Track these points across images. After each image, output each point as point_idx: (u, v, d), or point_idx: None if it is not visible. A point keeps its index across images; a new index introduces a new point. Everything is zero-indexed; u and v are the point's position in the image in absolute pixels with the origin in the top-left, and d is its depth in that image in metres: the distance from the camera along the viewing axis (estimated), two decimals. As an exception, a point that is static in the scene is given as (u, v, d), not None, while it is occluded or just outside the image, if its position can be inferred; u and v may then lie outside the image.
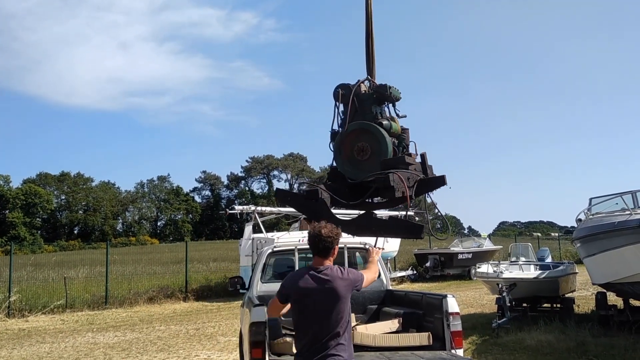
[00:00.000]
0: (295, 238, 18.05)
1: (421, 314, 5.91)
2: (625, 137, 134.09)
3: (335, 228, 3.88)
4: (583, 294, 17.20)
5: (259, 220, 20.29)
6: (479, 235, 32.89)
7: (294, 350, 5.26)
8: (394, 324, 5.85)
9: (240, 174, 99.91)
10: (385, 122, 5.45)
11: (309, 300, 3.72)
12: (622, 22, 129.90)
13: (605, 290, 11.80)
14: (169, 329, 13.72)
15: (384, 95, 5.57)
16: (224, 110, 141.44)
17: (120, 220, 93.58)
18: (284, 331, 6.05)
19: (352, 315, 6.42)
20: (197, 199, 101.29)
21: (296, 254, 7.24)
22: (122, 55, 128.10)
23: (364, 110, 5.50)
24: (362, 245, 7.36)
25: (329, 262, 3.84)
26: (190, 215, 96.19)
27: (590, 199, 11.14)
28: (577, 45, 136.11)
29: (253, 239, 19.41)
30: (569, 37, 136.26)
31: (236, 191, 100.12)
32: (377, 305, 7.04)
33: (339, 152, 5.49)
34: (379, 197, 5.51)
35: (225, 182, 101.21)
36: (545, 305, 13.55)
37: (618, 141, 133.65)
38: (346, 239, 7.18)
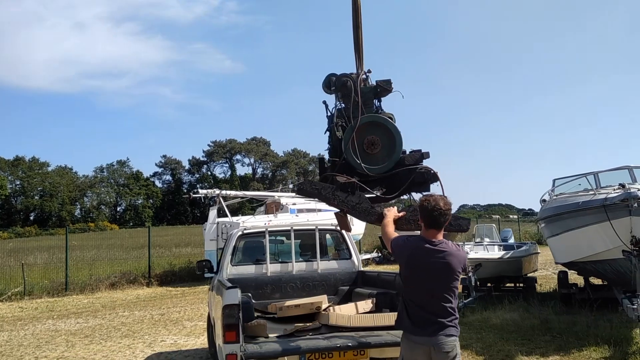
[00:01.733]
0: (261, 222, 17.94)
1: (394, 293, 5.89)
2: (575, 128, 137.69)
3: (448, 199, 3.91)
4: (543, 273, 17.64)
5: (224, 204, 20.06)
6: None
7: (268, 333, 5.21)
8: (367, 304, 5.82)
9: (202, 158, 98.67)
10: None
11: (425, 271, 3.73)
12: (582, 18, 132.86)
13: (566, 270, 12.11)
14: (132, 315, 13.47)
15: (385, 89, 5.54)
16: (184, 93, 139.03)
17: (78, 206, 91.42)
18: (256, 314, 5.98)
19: (324, 297, 6.39)
20: (158, 183, 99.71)
21: (267, 236, 7.13)
22: (79, 36, 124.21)
23: (365, 103, 5.42)
24: (333, 227, 7.30)
25: (441, 235, 3.83)
26: (151, 200, 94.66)
27: (554, 180, 11.34)
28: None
29: (218, 223, 19.20)
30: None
31: (198, 175, 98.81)
32: (348, 286, 7.01)
33: (352, 145, 5.32)
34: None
35: (187, 166, 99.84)
36: (508, 284, 13.83)
37: (568, 131, 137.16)
38: (317, 221, 7.13)
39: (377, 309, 5.82)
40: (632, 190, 7.81)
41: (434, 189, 5.36)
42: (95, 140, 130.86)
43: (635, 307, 7.53)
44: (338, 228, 7.36)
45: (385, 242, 4.26)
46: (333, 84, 5.62)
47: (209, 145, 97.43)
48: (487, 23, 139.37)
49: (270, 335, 5.18)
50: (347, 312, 5.57)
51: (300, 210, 20.25)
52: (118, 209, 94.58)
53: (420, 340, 3.71)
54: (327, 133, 5.93)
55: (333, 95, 5.83)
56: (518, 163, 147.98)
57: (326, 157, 5.96)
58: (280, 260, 7.54)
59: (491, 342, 8.80)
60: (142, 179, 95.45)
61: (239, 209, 52.10)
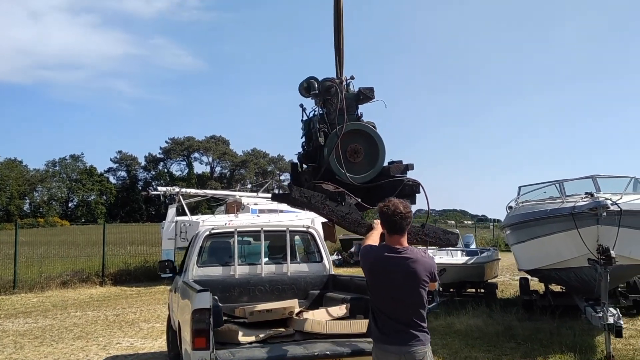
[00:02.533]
0: (222, 221, 17.59)
1: (369, 299, 5.71)
2: (526, 138, 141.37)
3: (407, 202, 3.85)
4: (501, 279, 17.84)
5: (183, 202, 19.58)
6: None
7: (240, 339, 4.95)
8: (341, 309, 5.62)
9: (158, 155, 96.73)
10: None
11: (388, 280, 3.64)
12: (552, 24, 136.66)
13: (528, 276, 12.23)
14: (85, 315, 12.91)
15: (367, 97, 5.45)
16: (142, 88, 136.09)
17: (28, 201, 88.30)
18: (225, 318, 5.71)
19: (295, 301, 6.17)
20: (112, 179, 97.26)
21: (235, 236, 6.85)
22: (34, 25, 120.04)
23: (348, 110, 5.31)
24: (304, 229, 7.08)
25: (405, 241, 3.73)
26: (105, 197, 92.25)
27: (520, 187, 11.43)
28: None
29: (177, 221, 18.75)
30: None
31: (154, 173, 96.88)
32: (319, 290, 6.79)
33: (335, 153, 5.17)
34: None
35: (143, 163, 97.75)
36: (470, 290, 13.89)
37: (519, 140, 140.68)
38: (288, 222, 6.90)
39: (351, 314, 5.63)
40: (600, 199, 7.88)
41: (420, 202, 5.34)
42: (47, 134, 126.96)
43: (600, 315, 7.58)
44: (309, 230, 7.17)
45: None
46: (314, 88, 5.45)
47: (166, 142, 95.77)
48: (448, 35, 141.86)
49: (242, 341, 4.92)
50: (320, 318, 5.37)
51: (261, 211, 19.96)
52: (69, 204, 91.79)
53: (390, 349, 3.63)
54: (303, 138, 5.76)
55: (310, 99, 5.67)
56: (471, 170, 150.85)
57: (297, 161, 5.79)
58: (248, 262, 7.27)
59: (457, 349, 8.74)
60: (95, 174, 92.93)
61: (195, 208, 51.19)
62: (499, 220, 54.33)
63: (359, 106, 5.60)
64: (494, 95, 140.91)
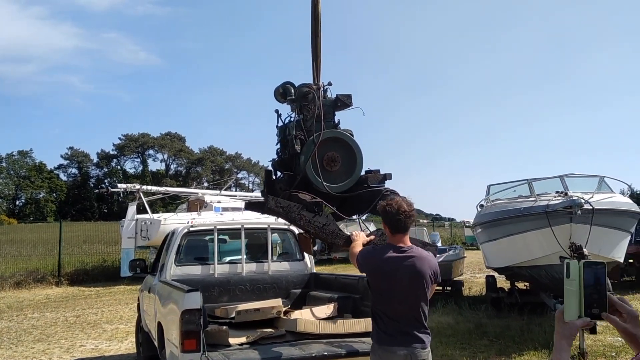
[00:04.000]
0: (184, 219, 17.19)
1: (358, 298, 5.63)
2: (486, 140, 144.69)
3: (410, 200, 3.80)
4: (464, 277, 18.11)
5: (144, 199, 19.06)
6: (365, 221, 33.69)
7: (230, 341, 4.78)
8: (329, 308, 5.50)
9: (112, 152, 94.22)
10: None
11: (393, 280, 3.56)
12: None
13: (494, 274, 12.40)
14: (44, 317, 12.39)
15: (345, 104, 5.34)
16: (94, 83, 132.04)
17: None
18: (208, 318, 5.51)
19: (279, 300, 6.02)
20: (63, 176, 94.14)
21: (215, 234, 6.64)
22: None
23: (325, 117, 5.16)
24: (285, 226, 6.91)
25: (408, 240, 3.70)
26: (55, 194, 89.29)
27: (489, 186, 11.56)
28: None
29: (137, 219, 18.23)
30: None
31: (107, 170, 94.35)
32: (301, 289, 6.66)
33: (312, 161, 5.03)
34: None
35: (95, 159, 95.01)
36: (437, 287, 13.97)
37: (479, 142, 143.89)
38: (269, 219, 6.71)
39: (338, 313, 5.53)
40: (574, 197, 8.01)
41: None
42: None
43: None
44: (290, 227, 7.02)
45: (354, 262, 4.02)
46: (290, 93, 5.32)
47: (119, 138, 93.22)
48: (416, 42, 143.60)
49: (232, 342, 4.73)
50: (309, 318, 5.23)
51: (225, 209, 19.62)
52: (17, 202, 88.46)
53: (395, 350, 3.56)
54: (278, 144, 5.62)
55: (286, 105, 5.54)
56: (425, 169, 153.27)
57: (272, 168, 5.65)
58: (224, 260, 7.08)
59: (432, 347, 8.64)
60: (45, 171, 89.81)
61: (150, 205, 50.12)
62: (453, 219, 55.57)
63: (336, 113, 5.51)
64: (453, 103, 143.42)
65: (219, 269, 6.53)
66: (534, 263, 9.25)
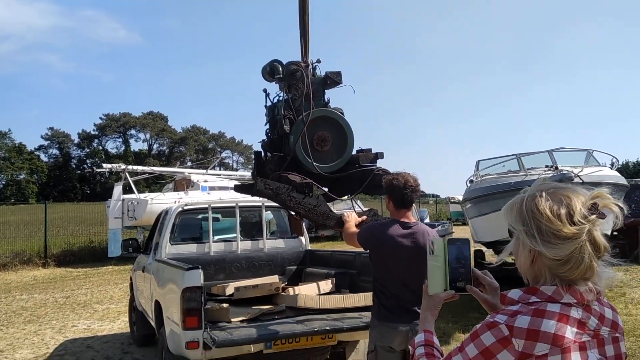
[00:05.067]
0: (172, 199, 17.10)
1: (354, 273, 5.66)
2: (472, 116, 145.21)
3: (415, 176, 3.70)
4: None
5: (130, 179, 18.90)
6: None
7: (230, 318, 4.78)
8: (327, 284, 5.53)
9: (93, 132, 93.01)
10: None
11: (397, 256, 3.50)
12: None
13: (483, 248, 12.56)
14: (33, 298, 12.30)
15: (334, 82, 5.21)
16: (73, 62, 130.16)
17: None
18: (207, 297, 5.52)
19: (276, 277, 6.04)
20: (44, 157, 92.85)
21: (210, 213, 6.61)
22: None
23: (314, 96, 5.07)
24: (257, 204, 6.84)
25: (412, 216, 3.63)
26: (36, 176, 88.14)
27: (478, 161, 11.63)
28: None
29: (123, 199, 18.08)
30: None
31: (88, 150, 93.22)
32: (296, 265, 6.68)
33: (302, 141, 4.93)
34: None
35: (76, 140, 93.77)
36: (426, 262, 14.14)
37: (464, 119, 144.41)
38: (238, 197, 6.55)
39: (336, 289, 5.56)
40: (564, 171, 8.10)
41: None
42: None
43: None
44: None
45: (353, 243, 3.97)
46: (278, 72, 5.22)
47: (100, 118, 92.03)
48: (401, 18, 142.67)
49: (233, 319, 4.74)
50: (307, 292, 5.25)
51: (212, 188, 19.54)
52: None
53: (398, 327, 3.52)
54: (266, 125, 5.54)
55: (274, 84, 5.45)
56: (411, 147, 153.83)
57: (261, 149, 5.57)
58: (218, 238, 7.06)
59: (424, 320, 8.87)
60: (25, 152, 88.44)
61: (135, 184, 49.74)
62: (437, 196, 55.93)
63: (326, 91, 5.43)
64: (437, 77, 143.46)
65: (214, 247, 6.52)
66: (523, 237, 9.36)
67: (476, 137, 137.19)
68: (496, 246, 11.10)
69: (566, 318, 1.32)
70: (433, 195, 57.64)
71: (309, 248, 6.96)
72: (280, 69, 5.23)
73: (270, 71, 5.25)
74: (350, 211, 4.52)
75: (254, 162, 5.57)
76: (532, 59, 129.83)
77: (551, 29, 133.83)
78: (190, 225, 6.79)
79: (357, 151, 5.32)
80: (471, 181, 11.34)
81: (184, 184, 19.42)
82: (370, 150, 5.39)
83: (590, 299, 1.37)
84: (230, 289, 5.54)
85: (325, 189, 5.00)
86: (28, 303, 11.69)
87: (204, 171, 22.13)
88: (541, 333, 1.29)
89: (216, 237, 7.16)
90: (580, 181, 8.04)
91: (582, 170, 8.48)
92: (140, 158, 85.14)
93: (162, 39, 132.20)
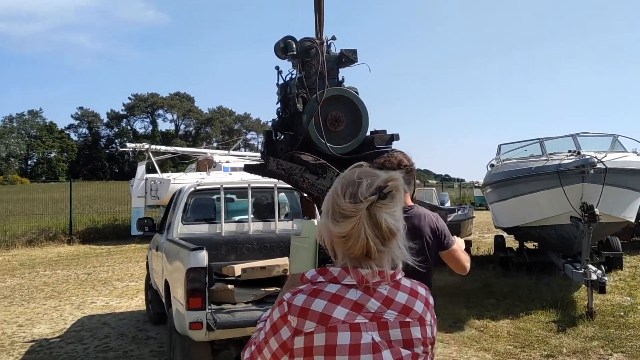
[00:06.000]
0: (193, 179, 17.19)
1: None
2: (490, 97, 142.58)
3: (409, 155, 3.42)
4: (472, 237, 18.11)
5: (153, 159, 19.06)
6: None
7: (236, 299, 4.77)
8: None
9: (121, 112, 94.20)
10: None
11: None
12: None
13: (503, 234, 12.35)
14: (55, 274, 12.55)
15: (350, 60, 5.06)
16: (103, 42, 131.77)
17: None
18: (215, 277, 5.51)
19: (286, 259, 5.99)
20: (74, 136, 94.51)
21: (222, 193, 6.59)
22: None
23: (329, 74, 4.92)
24: (269, 185, 6.74)
25: (409, 199, 3.36)
26: (66, 154, 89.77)
27: (500, 145, 11.40)
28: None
29: (147, 179, 18.26)
30: None
31: (117, 130, 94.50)
32: None
33: (315, 121, 4.80)
34: None
35: (105, 119, 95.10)
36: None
37: (483, 100, 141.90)
38: (258, 178, 6.45)
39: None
40: (587, 156, 7.86)
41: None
42: (3, 88, 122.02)
43: (582, 271, 7.66)
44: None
45: None
46: (292, 48, 5.08)
47: (129, 98, 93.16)
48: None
49: (238, 300, 4.73)
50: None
51: (233, 169, 19.59)
52: (29, 162, 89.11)
53: None
54: (278, 103, 5.42)
55: (287, 61, 5.31)
56: (435, 129, 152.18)
57: (272, 128, 5.45)
58: (232, 219, 7.05)
59: (440, 305, 8.65)
60: (56, 131, 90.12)
61: (160, 166, 50.30)
62: (462, 180, 55.42)
63: (340, 70, 5.27)
64: (461, 54, 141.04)
65: (226, 228, 6.50)
66: (543, 223, 9.17)
67: (507, 120, 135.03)
68: (516, 232, 10.90)
69: (340, 299, 1.36)
70: (458, 180, 57.18)
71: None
72: (294, 45, 5.12)
73: (284, 48, 5.15)
74: None
75: (263, 141, 5.49)
76: (575, 36, 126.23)
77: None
78: (203, 205, 6.77)
79: (372, 132, 5.20)
80: (492, 165, 11.12)
81: (206, 165, 19.51)
82: (385, 131, 5.26)
83: (373, 282, 1.39)
84: (238, 270, 5.52)
85: (339, 171, 4.90)
86: (50, 279, 11.93)
87: (226, 152, 22.21)
88: (310, 311, 1.34)
89: (234, 218, 7.17)
90: (604, 167, 7.80)
91: (606, 156, 8.23)
92: (167, 138, 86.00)
93: (190, 19, 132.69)
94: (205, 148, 27.93)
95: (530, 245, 12.24)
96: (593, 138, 10.01)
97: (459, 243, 3.65)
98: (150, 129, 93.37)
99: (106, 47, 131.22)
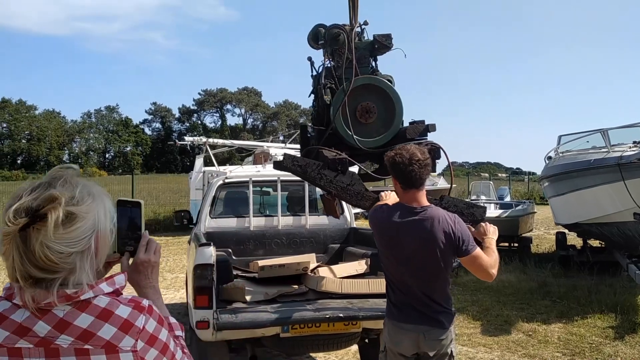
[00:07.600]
0: (249, 172, 17.27)
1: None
2: (563, 89, 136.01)
3: (424, 149, 3.19)
4: (535, 233, 17.19)
5: (211, 152, 19.30)
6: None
7: (247, 298, 4.59)
8: (360, 265, 5.19)
9: (192, 107, 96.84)
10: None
11: (400, 247, 3.03)
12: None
13: (565, 231, 11.60)
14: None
15: (384, 46, 4.64)
16: (176, 39, 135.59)
17: (67, 151, 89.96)
18: (235, 272, 5.37)
19: (312, 255, 5.77)
20: (148, 131, 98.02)
21: (250, 186, 6.43)
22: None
23: (360, 62, 4.54)
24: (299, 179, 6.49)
25: (424, 198, 3.11)
26: (140, 148, 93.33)
27: (560, 137, 10.67)
28: None
29: (204, 172, 18.48)
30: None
31: (188, 124, 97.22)
32: (339, 244, 6.36)
33: (342, 112, 4.44)
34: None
35: (177, 114, 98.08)
36: (502, 244, 13.33)
37: (557, 92, 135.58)
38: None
39: (371, 270, 5.20)
40: (651, 148, 7.17)
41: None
42: (83, 85, 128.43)
43: (644, 273, 7.01)
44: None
45: None
46: (322, 36, 4.76)
47: (199, 93, 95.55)
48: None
49: (249, 299, 4.54)
50: (338, 273, 4.94)
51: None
52: (107, 155, 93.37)
53: (405, 327, 3.06)
54: (312, 96, 5.13)
55: (321, 51, 5.01)
56: (506, 121, 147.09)
57: (311, 124, 5.17)
58: (265, 213, 6.88)
59: (488, 306, 8.31)
60: (131, 125, 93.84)
61: (228, 159, 51.23)
62: (534, 173, 53.22)
63: (377, 57, 4.89)
64: (538, 39, 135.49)
65: (255, 222, 6.34)
66: (604, 220, 8.48)
67: (586, 111, 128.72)
68: (577, 229, 10.18)
69: (3, 319, 1.24)
70: (529, 173, 54.91)
71: (354, 226, 6.60)
72: (323, 33, 4.83)
73: (314, 37, 4.87)
74: (389, 191, 4.02)
75: (300, 136, 5.25)
76: None
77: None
78: (232, 199, 6.65)
79: (410, 123, 4.83)
80: (549, 158, 10.41)
81: (262, 158, 19.55)
82: (423, 121, 4.87)
83: (45, 302, 1.23)
84: (257, 266, 5.34)
85: (358, 165, 4.59)
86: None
87: (283, 145, 22.21)
88: None
89: (264, 212, 7.01)
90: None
91: (674, 147, 7.47)
92: (235, 132, 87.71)
93: (258, 15, 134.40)
94: (272, 142, 28.01)
95: (596, 243, 11.43)
96: (664, 128, 9.15)
97: (490, 233, 3.31)
98: (219, 123, 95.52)
99: (179, 44, 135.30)
